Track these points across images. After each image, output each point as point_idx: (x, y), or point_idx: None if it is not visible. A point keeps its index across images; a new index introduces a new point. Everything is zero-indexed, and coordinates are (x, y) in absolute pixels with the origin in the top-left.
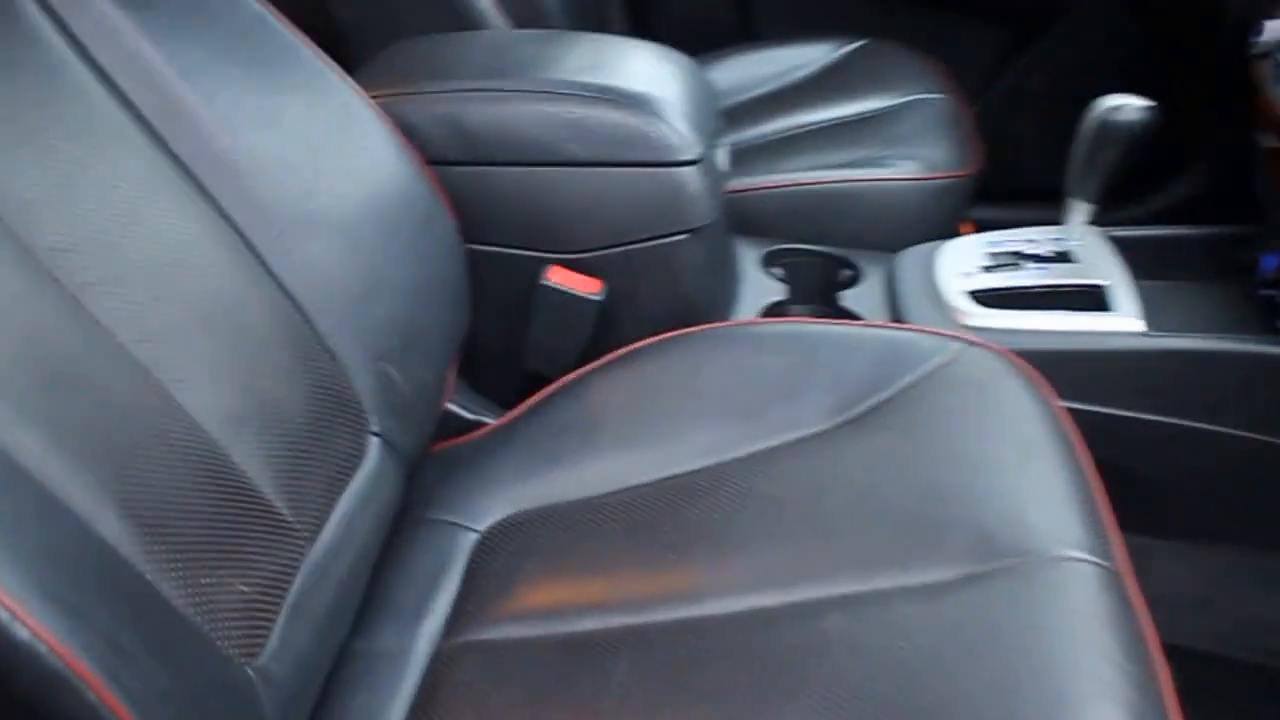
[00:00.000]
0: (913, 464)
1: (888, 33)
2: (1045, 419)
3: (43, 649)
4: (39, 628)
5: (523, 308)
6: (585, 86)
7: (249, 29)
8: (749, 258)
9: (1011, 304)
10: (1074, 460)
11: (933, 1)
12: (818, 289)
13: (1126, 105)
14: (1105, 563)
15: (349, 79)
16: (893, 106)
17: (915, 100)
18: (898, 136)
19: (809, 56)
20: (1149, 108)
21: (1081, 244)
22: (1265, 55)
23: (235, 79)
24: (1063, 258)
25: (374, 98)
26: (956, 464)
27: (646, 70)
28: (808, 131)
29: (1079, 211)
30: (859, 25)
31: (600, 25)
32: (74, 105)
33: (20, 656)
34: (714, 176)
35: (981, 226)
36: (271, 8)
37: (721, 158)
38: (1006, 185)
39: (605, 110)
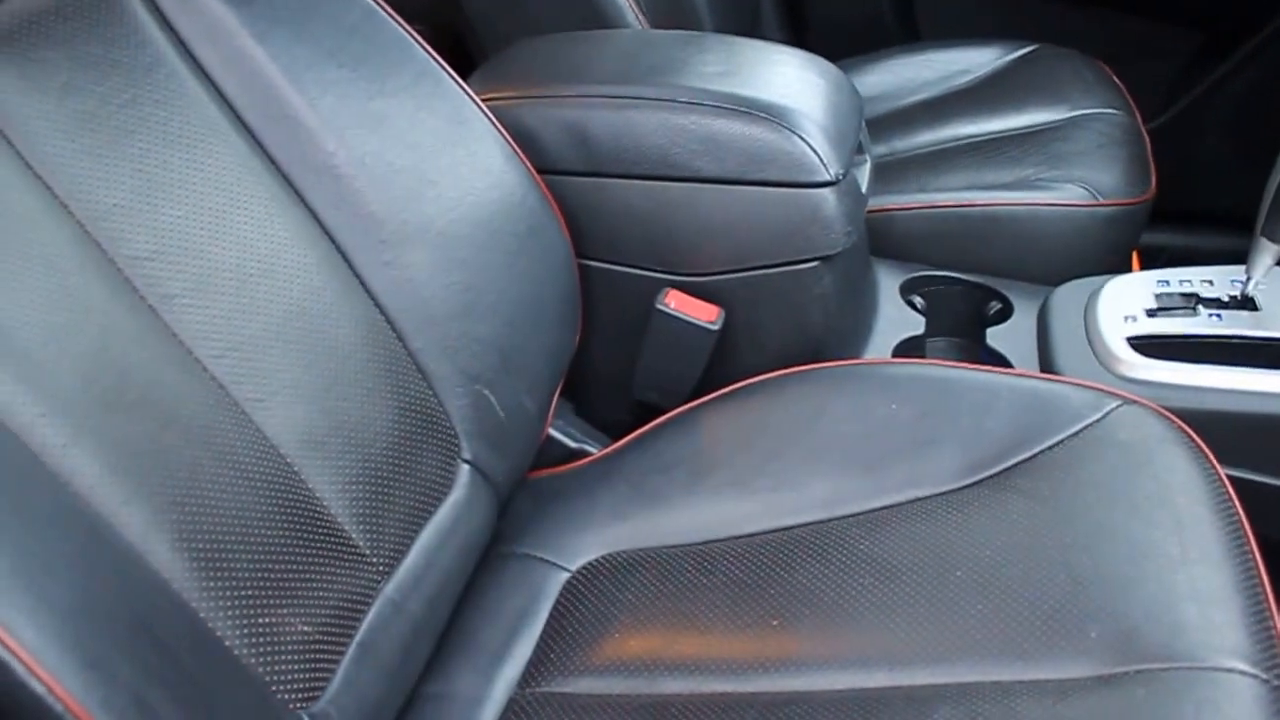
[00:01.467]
0: (1050, 540)
1: (1063, 37)
2: (1211, 497)
3: (57, 706)
4: (54, 683)
5: (635, 331)
6: (717, 96)
7: (357, 26)
8: (886, 284)
9: (1179, 355)
10: (1242, 549)
11: (1116, 3)
12: (961, 323)
13: None
14: (1271, 678)
15: (461, 81)
16: (1061, 121)
17: (1087, 115)
18: (1064, 155)
19: (974, 61)
20: None
21: (1268, 289)
22: None
23: (341, 79)
24: (1245, 304)
25: (490, 101)
26: (1101, 544)
27: (786, 79)
28: (964, 146)
29: (1268, 252)
30: (1032, 28)
31: (753, 22)
32: (169, 106)
33: (34, 712)
34: (853, 199)
35: (1150, 253)
36: (384, 4)
37: (863, 178)
38: (1183, 208)
39: (737, 123)
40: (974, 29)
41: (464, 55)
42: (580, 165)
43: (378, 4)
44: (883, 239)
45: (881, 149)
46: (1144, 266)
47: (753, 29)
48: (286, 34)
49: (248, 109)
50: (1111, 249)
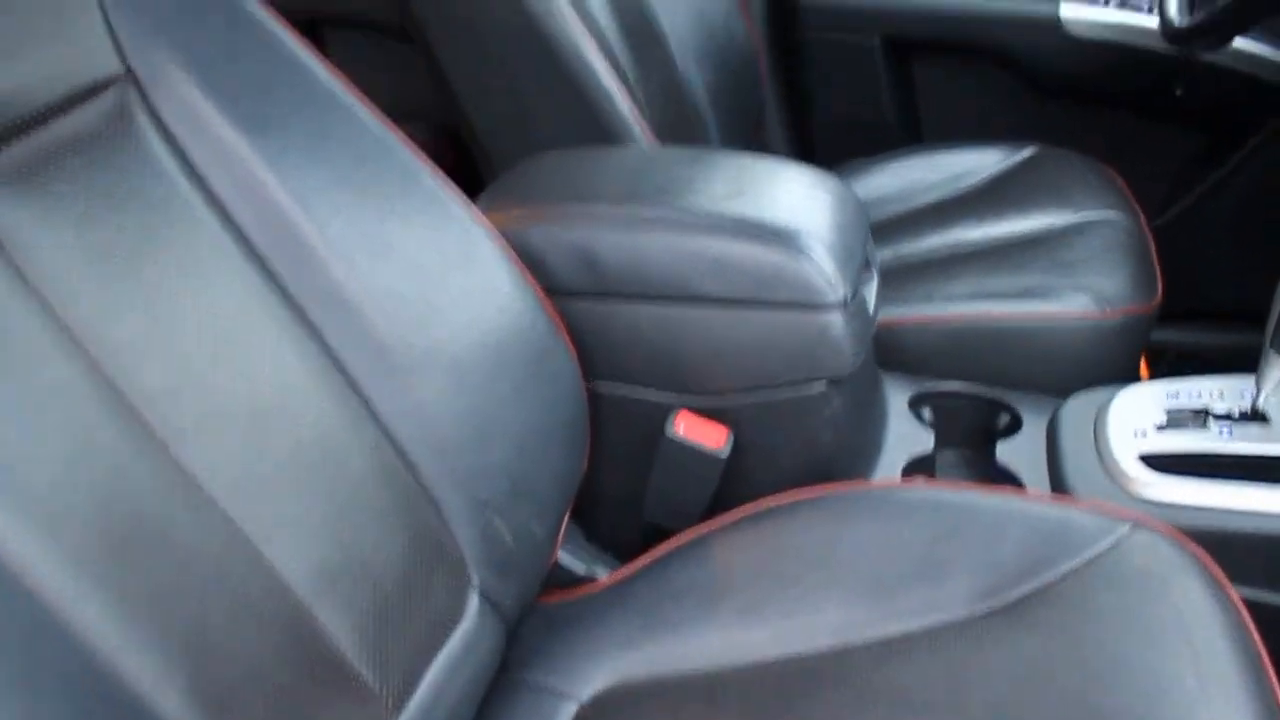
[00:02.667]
0: (1065, 673)
1: (1063, 136)
2: (1228, 628)
3: None
4: None
5: (644, 453)
6: (726, 219)
7: (368, 153)
8: (895, 398)
9: (1192, 470)
10: (1261, 681)
11: (1117, 104)
12: (971, 436)
13: None
14: None
15: (469, 205)
16: (1065, 226)
17: (1091, 221)
18: (1070, 263)
19: (977, 163)
20: None
21: (1279, 402)
22: None
23: (350, 206)
24: (1256, 418)
25: (498, 221)
26: (1118, 679)
27: (793, 199)
28: (969, 252)
29: (1277, 366)
30: (1031, 127)
31: (757, 125)
32: (183, 239)
33: None
34: (861, 320)
35: (1155, 351)
36: (395, 128)
37: (871, 297)
38: (1186, 307)
39: (746, 245)
40: (974, 128)
41: (462, 149)
42: (589, 287)
43: (389, 131)
44: (890, 352)
45: (888, 254)
46: (1150, 366)
47: (757, 132)
48: (299, 160)
49: (259, 236)
50: (1120, 357)
